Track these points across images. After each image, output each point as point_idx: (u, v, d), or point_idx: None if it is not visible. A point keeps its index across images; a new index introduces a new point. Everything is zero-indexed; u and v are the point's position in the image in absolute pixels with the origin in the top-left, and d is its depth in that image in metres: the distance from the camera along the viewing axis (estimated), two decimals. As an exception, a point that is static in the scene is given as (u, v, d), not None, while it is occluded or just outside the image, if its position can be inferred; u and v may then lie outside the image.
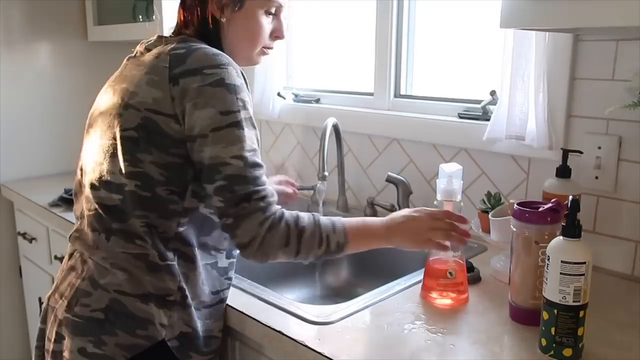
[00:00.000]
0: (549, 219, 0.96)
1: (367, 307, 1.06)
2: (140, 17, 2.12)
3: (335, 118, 1.55)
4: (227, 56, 0.99)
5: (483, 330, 0.98)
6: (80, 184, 1.08)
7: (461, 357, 0.90)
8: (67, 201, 1.77)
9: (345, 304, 1.07)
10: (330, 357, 0.89)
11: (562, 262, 0.85)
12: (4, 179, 2.10)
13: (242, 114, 0.95)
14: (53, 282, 1.89)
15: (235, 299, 1.10)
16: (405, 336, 0.96)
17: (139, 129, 0.95)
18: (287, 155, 1.94)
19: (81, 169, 1.08)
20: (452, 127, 1.48)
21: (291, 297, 1.37)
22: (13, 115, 2.11)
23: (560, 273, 0.85)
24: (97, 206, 1.00)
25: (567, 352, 0.87)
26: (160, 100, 0.94)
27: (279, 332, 0.98)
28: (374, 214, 1.56)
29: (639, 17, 0.79)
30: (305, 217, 0.98)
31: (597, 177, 1.23)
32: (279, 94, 1.89)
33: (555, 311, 0.86)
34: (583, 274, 0.85)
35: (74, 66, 2.25)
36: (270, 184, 1.02)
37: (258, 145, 0.98)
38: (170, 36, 1.08)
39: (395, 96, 1.68)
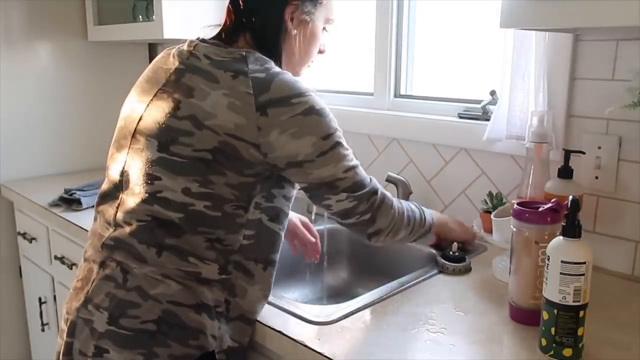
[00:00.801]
0: (549, 219, 0.96)
1: (367, 307, 1.06)
2: (140, 17, 2.12)
3: (335, 118, 1.55)
4: (305, 83, 1.01)
5: (483, 330, 0.98)
6: (116, 188, 1.03)
7: (461, 357, 0.90)
8: (67, 201, 1.77)
9: (345, 304, 1.07)
10: (330, 357, 0.89)
11: (562, 262, 0.85)
12: (4, 179, 2.10)
13: (338, 133, 1.01)
14: (53, 282, 1.91)
15: (235, 299, 1.10)
16: (405, 336, 0.96)
17: (215, 152, 0.93)
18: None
19: (121, 174, 1.02)
20: (452, 127, 1.48)
21: (291, 297, 1.37)
22: (13, 115, 2.11)
23: (560, 273, 0.85)
24: (148, 219, 0.96)
25: (567, 352, 0.87)
26: (244, 127, 0.93)
27: (279, 332, 0.98)
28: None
29: (639, 17, 0.79)
30: (403, 202, 1.14)
31: (597, 177, 1.23)
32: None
33: (555, 311, 0.86)
34: (583, 274, 0.85)
35: (74, 66, 2.25)
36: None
37: None
38: (219, 38, 1.05)
39: (395, 96, 1.68)
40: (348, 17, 1.83)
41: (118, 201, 1.01)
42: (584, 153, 1.20)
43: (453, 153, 1.49)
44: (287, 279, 1.45)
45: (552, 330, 0.87)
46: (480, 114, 1.44)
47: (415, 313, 1.04)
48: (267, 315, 1.04)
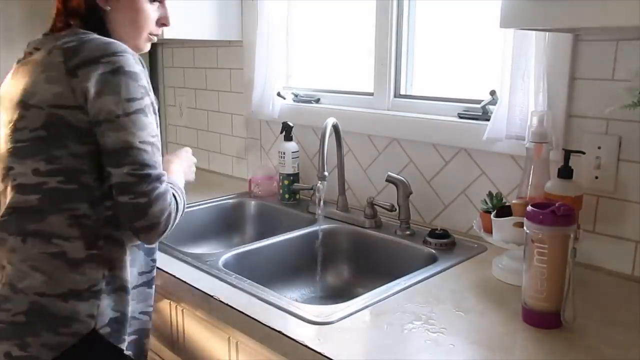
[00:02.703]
0: (562, 221, 0.95)
1: (367, 307, 1.06)
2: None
3: (335, 118, 1.55)
4: (121, 43, 1.00)
5: (483, 330, 0.98)
6: None
7: (461, 357, 0.90)
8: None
9: (345, 304, 1.07)
10: (330, 357, 0.89)
11: None
12: (4, 179, 2.10)
13: (146, 101, 0.98)
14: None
15: (235, 299, 1.10)
16: (405, 336, 0.96)
17: (48, 127, 0.97)
18: (287, 155, 1.94)
19: None
20: (452, 127, 1.48)
21: (291, 297, 1.37)
22: (13, 115, 2.11)
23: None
24: (10, 210, 1.00)
25: None
26: (62, 94, 0.96)
27: (279, 332, 0.98)
28: (374, 215, 1.56)
29: (639, 17, 0.79)
30: (174, 188, 1.04)
31: (597, 177, 1.23)
32: (278, 94, 1.89)
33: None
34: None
35: (74, 66, 2.25)
36: None
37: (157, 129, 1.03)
38: (52, 32, 1.10)
39: (395, 96, 1.68)
40: (348, 17, 1.83)
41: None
42: (584, 153, 1.20)
43: (453, 153, 1.49)
44: (287, 278, 1.46)
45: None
46: (480, 114, 1.44)
47: (415, 313, 1.04)
48: (267, 315, 1.04)
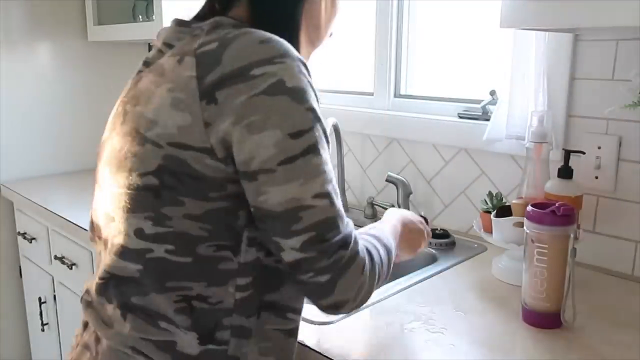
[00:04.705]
0: (562, 221, 0.95)
1: (367, 307, 1.06)
2: (140, 17, 2.12)
3: (335, 118, 1.55)
4: (282, 41, 0.69)
5: (483, 330, 0.98)
6: (95, 229, 0.82)
7: (461, 357, 0.90)
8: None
9: (345, 304, 1.07)
10: (330, 357, 0.89)
11: None
12: (4, 179, 2.10)
13: (317, 132, 0.68)
14: (53, 282, 1.91)
15: (235, 299, 1.10)
16: (405, 336, 0.96)
17: (162, 174, 0.68)
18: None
19: (95, 211, 0.82)
20: (452, 127, 1.48)
21: (291, 297, 1.37)
22: (13, 115, 2.11)
23: None
24: (107, 274, 0.75)
25: None
26: (189, 128, 0.66)
27: (279, 332, 0.98)
28: (374, 214, 1.56)
29: (639, 17, 0.79)
30: (373, 243, 0.78)
31: (597, 177, 1.23)
32: (279, 94, 1.89)
33: None
34: None
35: (74, 66, 2.25)
36: None
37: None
38: (197, 21, 0.77)
39: (395, 96, 1.68)
40: (348, 17, 1.83)
41: (98, 245, 0.82)
42: (584, 153, 1.20)
43: (453, 153, 1.49)
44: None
45: None
46: (480, 114, 1.44)
47: (415, 313, 1.04)
48: (267, 315, 1.04)
